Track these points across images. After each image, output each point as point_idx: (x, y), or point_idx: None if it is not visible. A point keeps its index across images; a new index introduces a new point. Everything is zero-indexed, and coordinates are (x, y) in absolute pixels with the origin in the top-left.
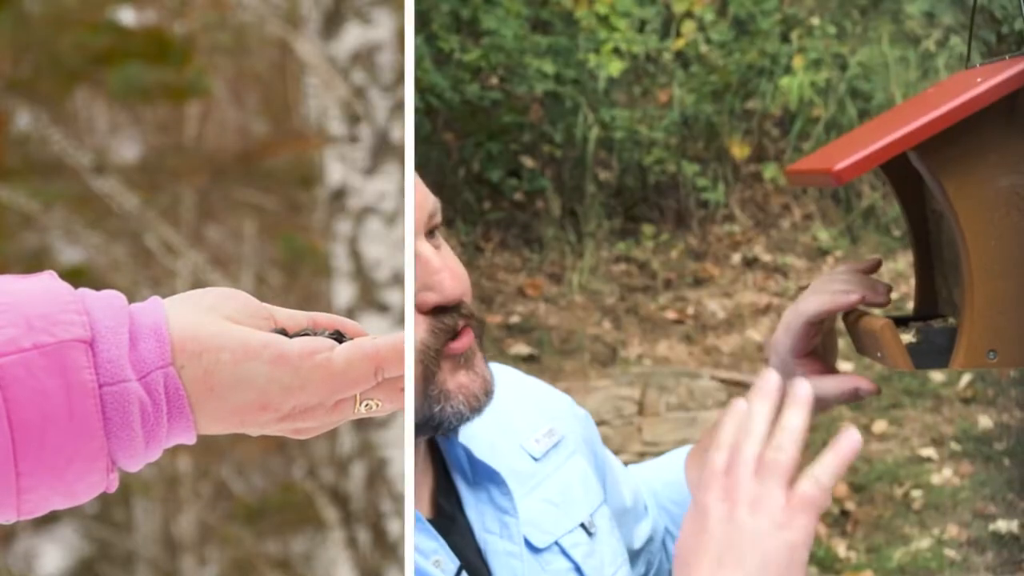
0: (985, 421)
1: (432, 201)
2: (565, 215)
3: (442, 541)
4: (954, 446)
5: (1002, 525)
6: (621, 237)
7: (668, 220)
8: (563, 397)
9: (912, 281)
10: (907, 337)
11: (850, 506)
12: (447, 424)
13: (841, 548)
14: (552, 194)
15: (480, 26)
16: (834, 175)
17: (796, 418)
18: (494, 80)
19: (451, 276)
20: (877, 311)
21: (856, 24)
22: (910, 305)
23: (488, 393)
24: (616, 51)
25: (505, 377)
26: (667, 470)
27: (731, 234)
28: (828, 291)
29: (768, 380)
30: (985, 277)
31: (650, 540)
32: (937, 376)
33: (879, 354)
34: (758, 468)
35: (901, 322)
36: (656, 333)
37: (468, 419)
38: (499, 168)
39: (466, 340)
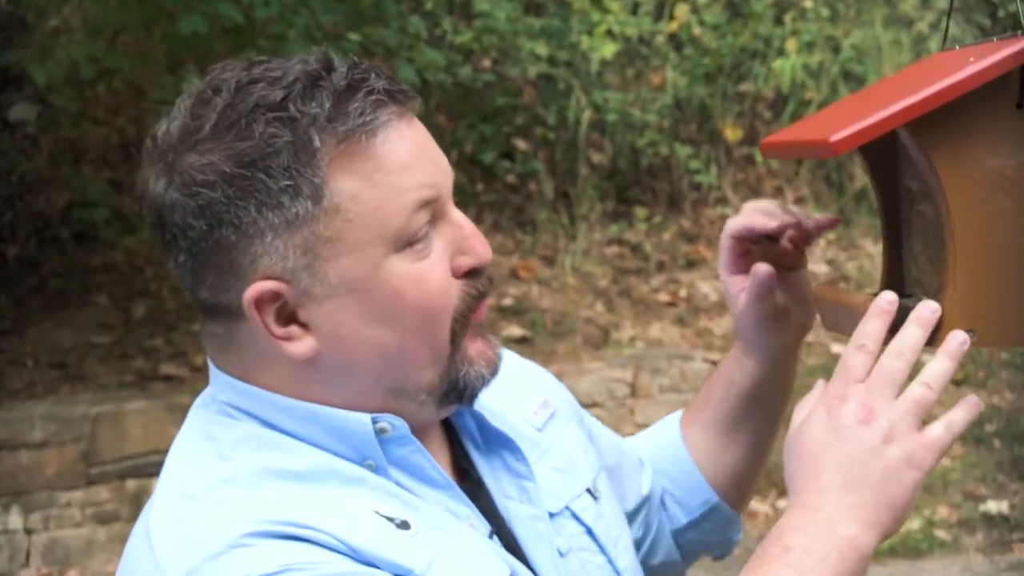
0: None
1: (451, 170)
2: (558, 197)
3: (473, 506)
4: None
5: (992, 506)
6: (614, 219)
7: (661, 202)
8: (542, 369)
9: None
10: None
11: None
12: (471, 389)
13: None
14: (545, 176)
15: (473, 8)
16: (831, 145)
17: (946, 363)
18: (487, 62)
19: (480, 240)
20: (844, 285)
21: (849, 7)
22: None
23: (500, 358)
24: (609, 33)
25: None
26: (661, 434)
27: (724, 216)
28: (753, 210)
29: (925, 307)
30: (967, 257)
31: (647, 500)
32: (928, 358)
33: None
34: (902, 397)
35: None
36: (649, 315)
37: (487, 384)
38: (492, 150)
39: (483, 310)
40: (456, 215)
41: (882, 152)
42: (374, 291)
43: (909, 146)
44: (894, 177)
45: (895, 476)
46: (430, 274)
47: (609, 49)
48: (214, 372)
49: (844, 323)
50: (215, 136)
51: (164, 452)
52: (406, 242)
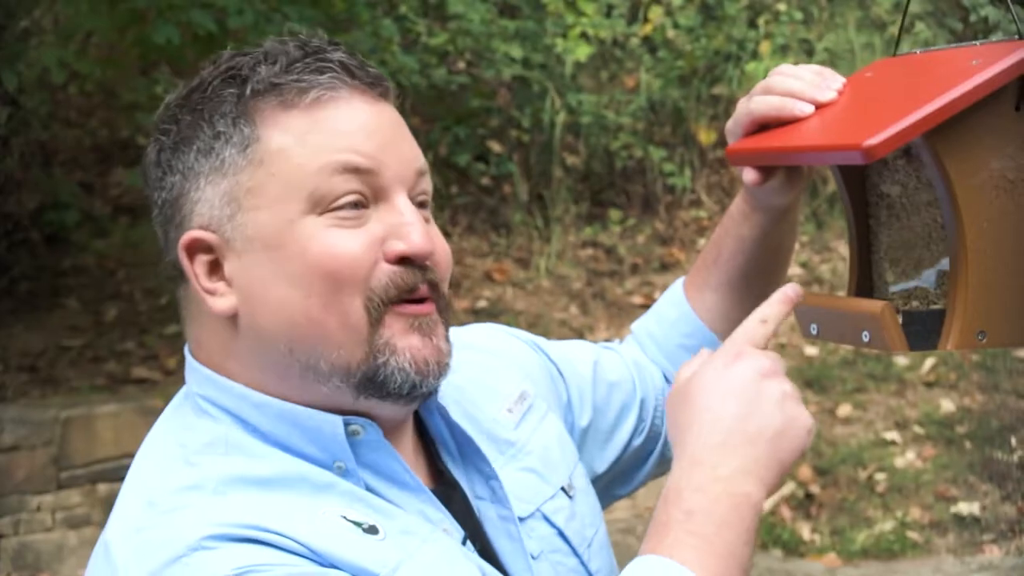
0: (947, 405)
1: (421, 162)
2: (532, 200)
3: (446, 511)
4: (917, 429)
5: (963, 507)
6: (588, 222)
7: (635, 205)
8: (520, 343)
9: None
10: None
11: (814, 489)
12: (393, 384)
13: (805, 531)
14: (519, 179)
15: (447, 10)
16: (865, 151)
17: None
18: (461, 64)
19: (420, 231)
20: (817, 289)
21: (823, 10)
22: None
23: (440, 366)
24: (583, 36)
25: (478, 338)
26: (669, 310)
27: (697, 219)
28: (781, 91)
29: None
30: (977, 259)
31: (641, 414)
32: (901, 360)
33: (865, 336)
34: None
35: None
36: (623, 317)
37: (414, 383)
38: (466, 152)
39: (427, 307)
40: (402, 203)
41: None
42: (284, 248)
43: (922, 152)
44: (862, 182)
45: (791, 432)
46: (345, 242)
47: (583, 51)
48: (189, 363)
49: (849, 332)
50: (185, 96)
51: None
52: (324, 205)
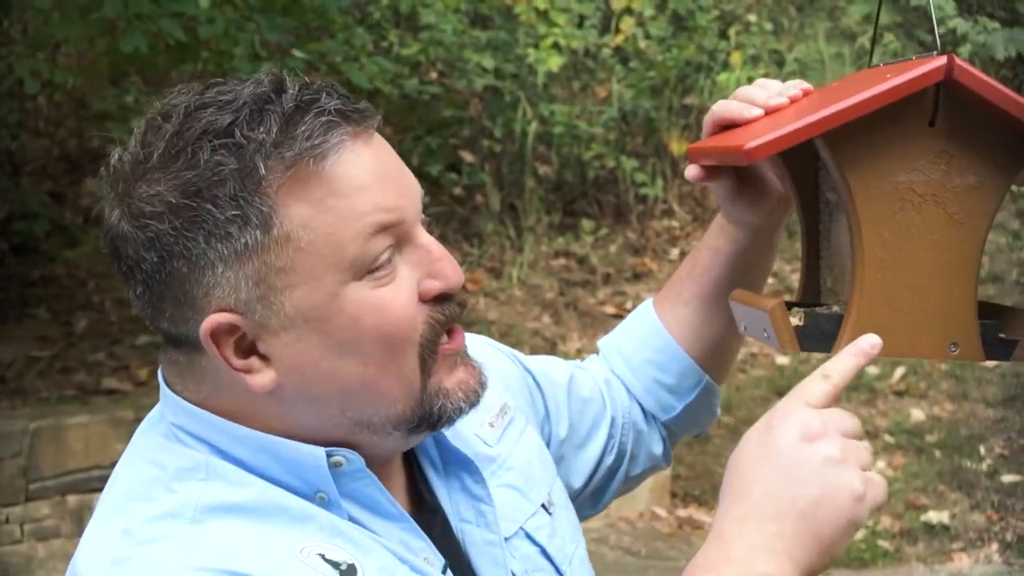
0: (917, 414)
1: (421, 190)
2: (504, 209)
3: (427, 540)
4: (887, 438)
5: (933, 516)
6: (560, 232)
7: (607, 215)
8: (500, 352)
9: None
10: (794, 320)
11: None
12: (446, 420)
13: None
14: (491, 188)
15: (419, 20)
16: (745, 152)
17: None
18: (433, 74)
19: (451, 263)
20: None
21: (793, 21)
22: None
23: (483, 385)
24: (555, 46)
25: None
26: (639, 325)
27: (669, 228)
28: (741, 97)
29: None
30: (875, 267)
31: (611, 431)
32: (871, 370)
33: (765, 334)
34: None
35: (787, 307)
36: (595, 327)
37: (465, 413)
38: (438, 162)
39: (459, 338)
40: (424, 238)
41: (802, 162)
42: (331, 321)
43: (824, 156)
44: (814, 188)
45: (831, 502)
46: (393, 301)
47: (555, 62)
48: (166, 393)
49: (754, 329)
50: (162, 165)
51: (106, 467)
52: (365, 269)
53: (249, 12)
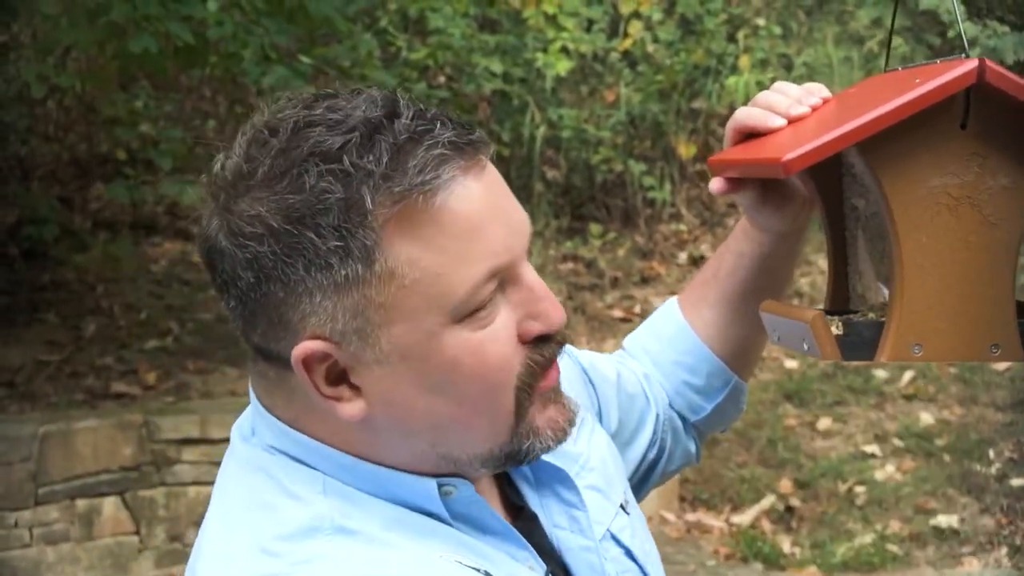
0: (926, 418)
1: (529, 223)
2: None
3: (531, 548)
4: (896, 442)
5: (942, 520)
6: (568, 236)
7: (615, 219)
8: (567, 359)
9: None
10: (833, 329)
11: (795, 502)
12: (533, 458)
13: (786, 544)
14: None
15: (427, 25)
16: (783, 165)
17: None
18: (442, 79)
19: (553, 304)
20: (797, 301)
21: (801, 25)
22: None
23: (572, 423)
24: (564, 50)
25: None
26: (665, 326)
27: (678, 232)
28: (762, 104)
29: None
30: (915, 273)
31: (656, 429)
32: (880, 373)
33: (805, 346)
34: None
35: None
36: (603, 331)
37: (552, 450)
38: None
39: (556, 374)
40: (529, 277)
41: (826, 170)
42: (429, 361)
43: (857, 166)
44: (839, 194)
45: None
46: (492, 344)
47: (564, 66)
48: (259, 411)
49: (792, 340)
50: (266, 184)
51: (115, 471)
52: (468, 312)
53: (256, 16)
